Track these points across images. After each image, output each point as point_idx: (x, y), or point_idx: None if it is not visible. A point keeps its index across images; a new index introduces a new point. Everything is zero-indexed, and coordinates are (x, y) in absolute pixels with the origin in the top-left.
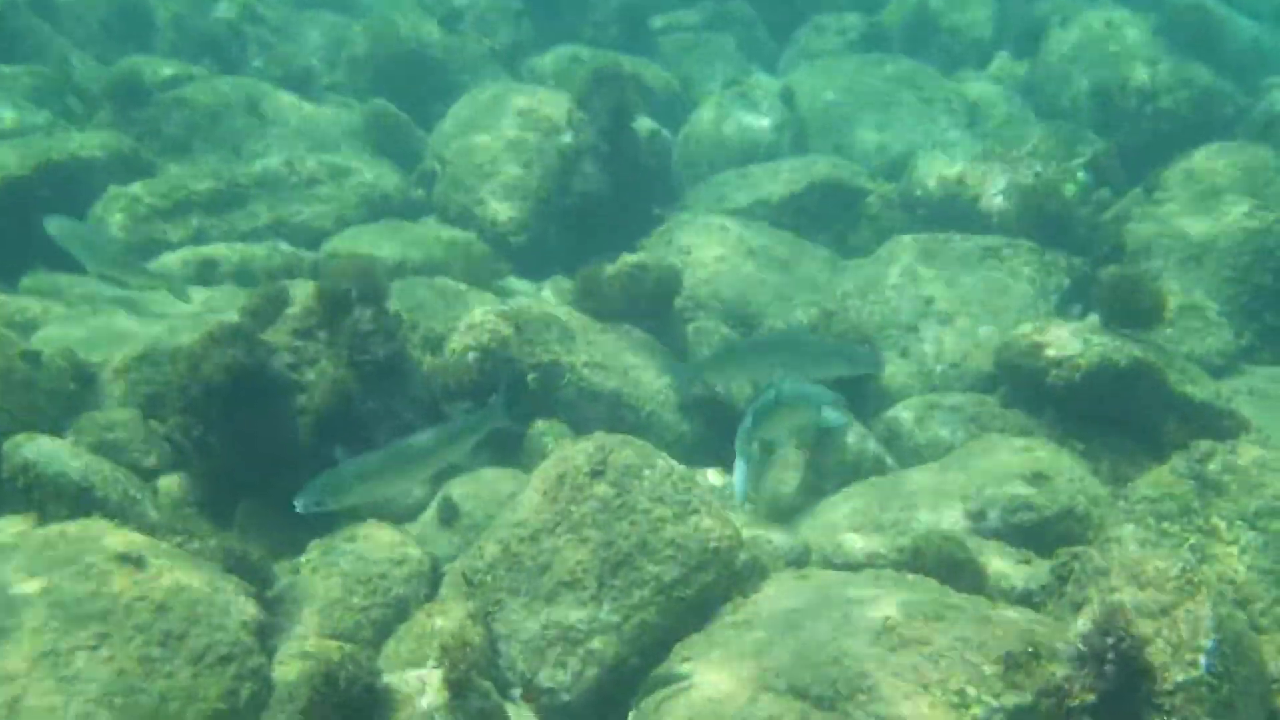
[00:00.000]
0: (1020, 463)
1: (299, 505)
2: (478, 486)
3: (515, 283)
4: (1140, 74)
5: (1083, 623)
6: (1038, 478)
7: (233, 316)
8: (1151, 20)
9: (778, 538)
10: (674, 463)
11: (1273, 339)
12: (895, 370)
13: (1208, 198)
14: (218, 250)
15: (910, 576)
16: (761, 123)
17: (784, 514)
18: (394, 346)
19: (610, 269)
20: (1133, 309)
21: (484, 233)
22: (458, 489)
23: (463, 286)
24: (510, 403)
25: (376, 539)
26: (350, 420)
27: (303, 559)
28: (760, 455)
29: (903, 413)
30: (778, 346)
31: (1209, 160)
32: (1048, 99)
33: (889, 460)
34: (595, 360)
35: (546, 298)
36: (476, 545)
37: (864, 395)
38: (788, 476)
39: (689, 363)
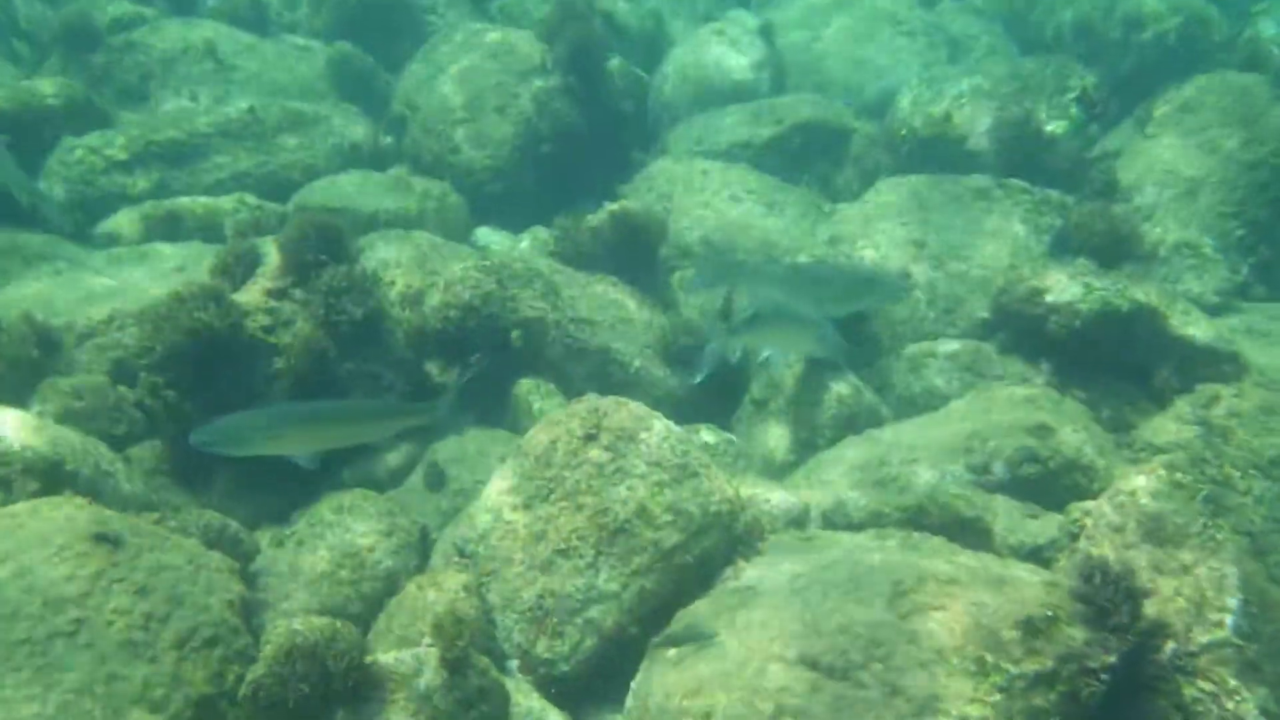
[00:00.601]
0: (1023, 413)
1: (192, 439)
2: (464, 450)
3: (492, 234)
4: (1129, 2)
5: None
6: (1042, 429)
7: (203, 275)
8: None
9: (776, 497)
10: (670, 424)
11: (1268, 274)
12: (887, 317)
13: (1200, 131)
14: (181, 204)
15: (916, 535)
16: (740, 61)
17: (778, 469)
18: (370, 305)
19: (592, 218)
20: (1105, 243)
21: (458, 182)
22: (443, 453)
23: (439, 240)
24: (458, 404)
25: (363, 509)
26: (328, 382)
27: (287, 531)
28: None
29: (897, 361)
30: (815, 275)
31: (1200, 92)
32: (1032, 29)
33: (884, 411)
34: (581, 315)
35: (525, 250)
36: (467, 513)
37: (856, 342)
38: (780, 430)
39: (730, 270)
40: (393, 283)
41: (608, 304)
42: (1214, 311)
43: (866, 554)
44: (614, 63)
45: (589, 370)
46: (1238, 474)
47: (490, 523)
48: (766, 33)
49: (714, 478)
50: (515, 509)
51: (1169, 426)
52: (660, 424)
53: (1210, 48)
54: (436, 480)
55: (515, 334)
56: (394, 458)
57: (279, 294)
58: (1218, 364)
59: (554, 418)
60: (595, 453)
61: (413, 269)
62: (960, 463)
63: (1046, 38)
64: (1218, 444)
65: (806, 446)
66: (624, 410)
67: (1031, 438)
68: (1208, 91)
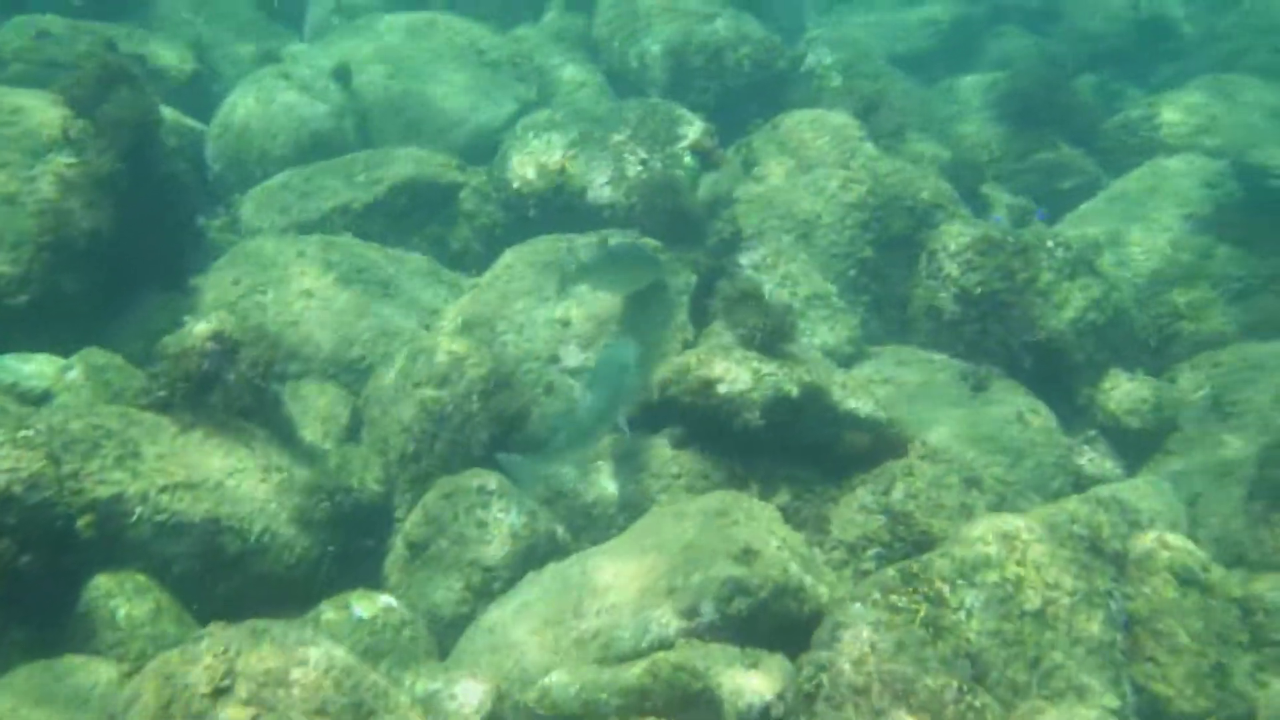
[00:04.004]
0: (720, 532)
1: None
2: (14, 699)
3: (21, 364)
4: (703, 30)
5: None
6: (746, 553)
7: None
8: None
9: (460, 689)
10: (331, 647)
11: (880, 311)
12: (543, 411)
13: (803, 171)
14: None
15: None
16: (317, 109)
17: (449, 626)
18: None
19: (174, 345)
20: (769, 337)
21: None
22: None
23: None
24: None
25: None
26: None
27: None
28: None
29: (563, 467)
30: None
31: (796, 129)
32: (615, 56)
33: (560, 531)
34: (176, 479)
35: (75, 380)
36: None
37: (508, 449)
38: (446, 579)
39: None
40: None
41: (211, 454)
42: (847, 361)
43: None
44: (163, 118)
45: (192, 549)
46: (947, 587)
47: None
48: (342, 73)
49: (396, 707)
50: None
51: (856, 519)
52: (317, 651)
53: (778, 75)
54: None
55: (84, 521)
56: None
57: None
58: (882, 432)
59: (164, 668)
60: (232, 712)
61: None
62: (666, 606)
63: (631, 66)
64: (899, 529)
65: (481, 594)
66: (266, 645)
67: (736, 565)
68: (802, 128)
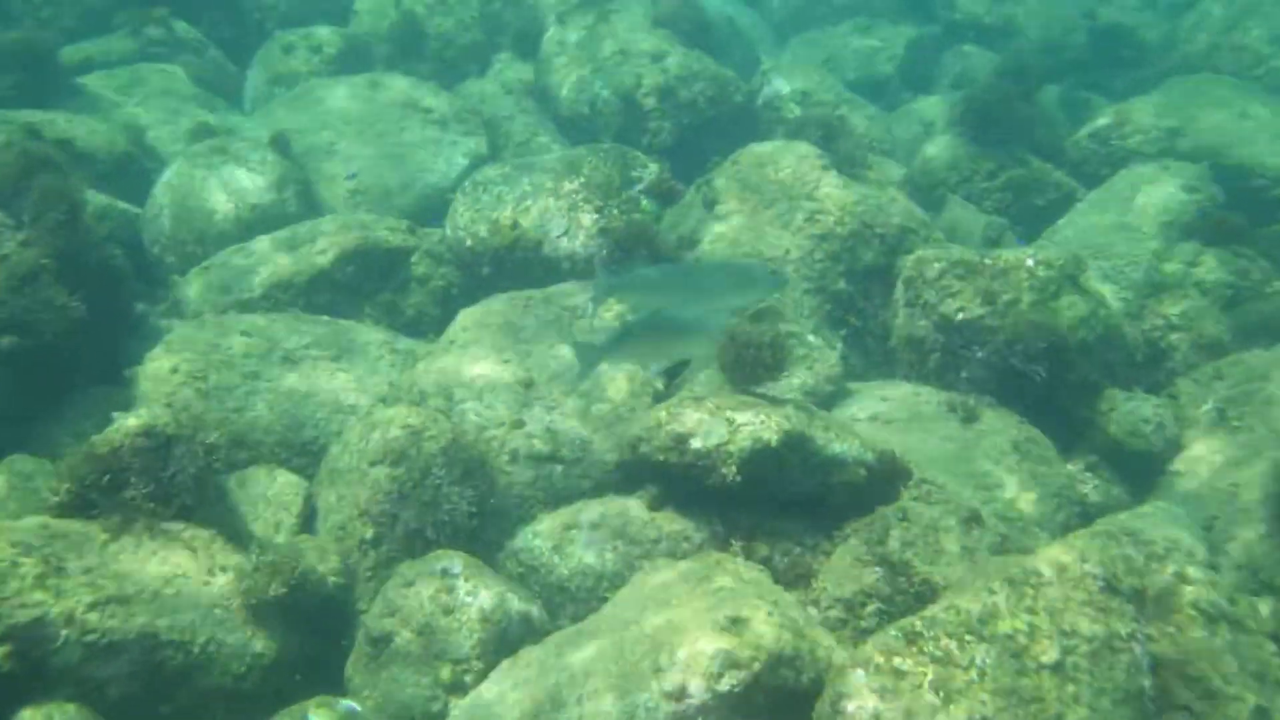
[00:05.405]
0: (705, 600)
1: None
2: None
3: None
4: (653, 71)
5: None
6: (735, 622)
7: None
8: (648, 10)
9: None
10: None
11: (859, 343)
12: (509, 480)
13: (767, 206)
14: None
15: None
16: (256, 182)
17: None
18: None
19: (101, 444)
20: (751, 364)
21: None
22: None
23: None
24: None
25: None
26: None
27: None
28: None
29: (535, 541)
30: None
31: (757, 163)
32: (565, 105)
33: (535, 613)
34: (106, 593)
35: (0, 492)
36: None
37: (482, 513)
38: (413, 674)
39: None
40: None
41: (146, 560)
42: (828, 402)
43: None
44: (94, 204)
45: (128, 669)
46: (955, 646)
47: None
48: (281, 144)
49: None
50: None
51: (851, 572)
52: None
53: (734, 108)
54: None
55: (0, 652)
56: None
57: None
58: (875, 471)
59: None
60: None
61: None
62: (653, 688)
63: (582, 113)
64: (899, 581)
65: (453, 688)
66: None
67: (724, 636)
68: (764, 163)
